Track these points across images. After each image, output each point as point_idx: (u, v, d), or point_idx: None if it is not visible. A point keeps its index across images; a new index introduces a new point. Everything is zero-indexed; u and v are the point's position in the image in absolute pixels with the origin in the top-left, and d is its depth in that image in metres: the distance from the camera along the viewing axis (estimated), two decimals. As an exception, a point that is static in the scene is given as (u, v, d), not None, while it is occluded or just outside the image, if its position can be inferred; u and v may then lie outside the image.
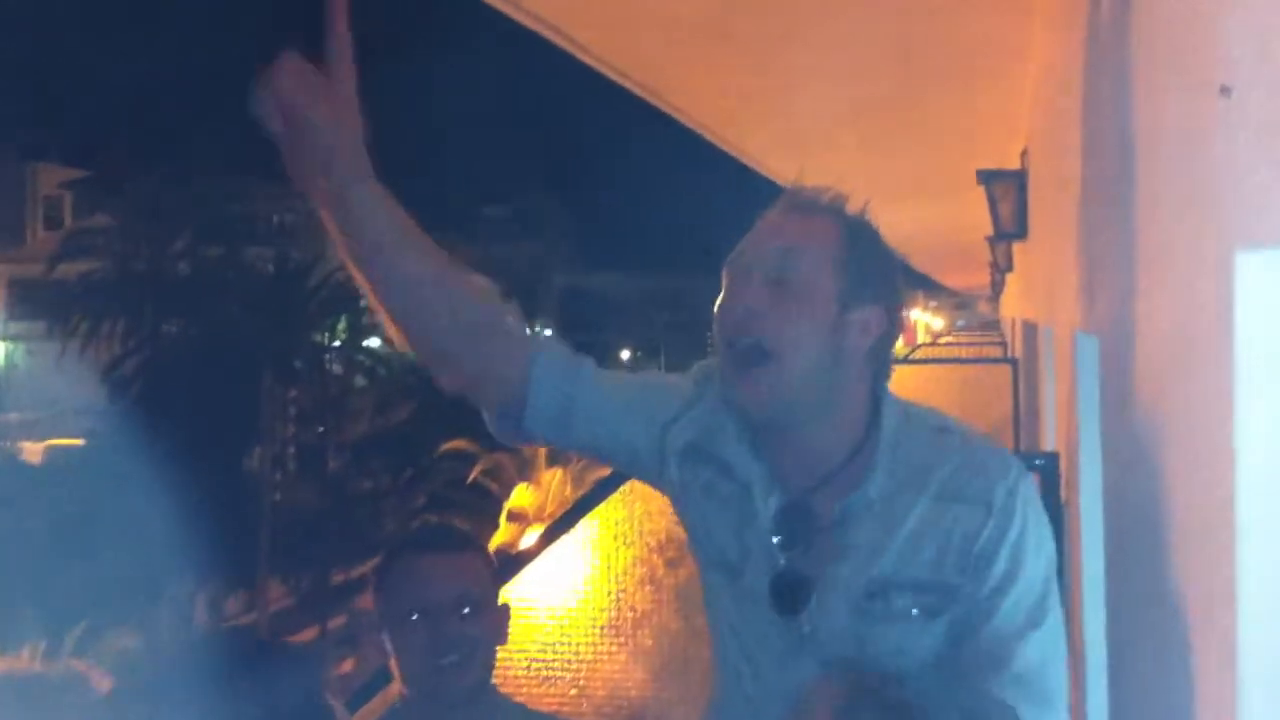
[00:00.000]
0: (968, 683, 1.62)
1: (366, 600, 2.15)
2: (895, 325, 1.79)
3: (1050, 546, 1.70)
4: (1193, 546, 1.04)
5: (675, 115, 7.56)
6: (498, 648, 2.12)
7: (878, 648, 1.65)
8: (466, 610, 2.05)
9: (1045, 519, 1.70)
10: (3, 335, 41.97)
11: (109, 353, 27.94)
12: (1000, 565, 1.65)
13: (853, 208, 1.80)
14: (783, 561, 1.73)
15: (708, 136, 8.38)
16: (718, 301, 1.76)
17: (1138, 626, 1.59)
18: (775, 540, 1.75)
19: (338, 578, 23.90)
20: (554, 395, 1.84)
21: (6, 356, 41.59)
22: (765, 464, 1.78)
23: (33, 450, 29.35)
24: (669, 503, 1.97)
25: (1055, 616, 1.67)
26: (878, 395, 1.78)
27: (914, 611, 1.67)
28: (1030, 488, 1.72)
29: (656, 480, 1.94)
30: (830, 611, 1.70)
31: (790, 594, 1.72)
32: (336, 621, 22.61)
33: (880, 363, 1.78)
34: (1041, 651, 1.63)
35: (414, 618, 2.03)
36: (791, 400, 1.70)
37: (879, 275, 1.77)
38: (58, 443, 29.08)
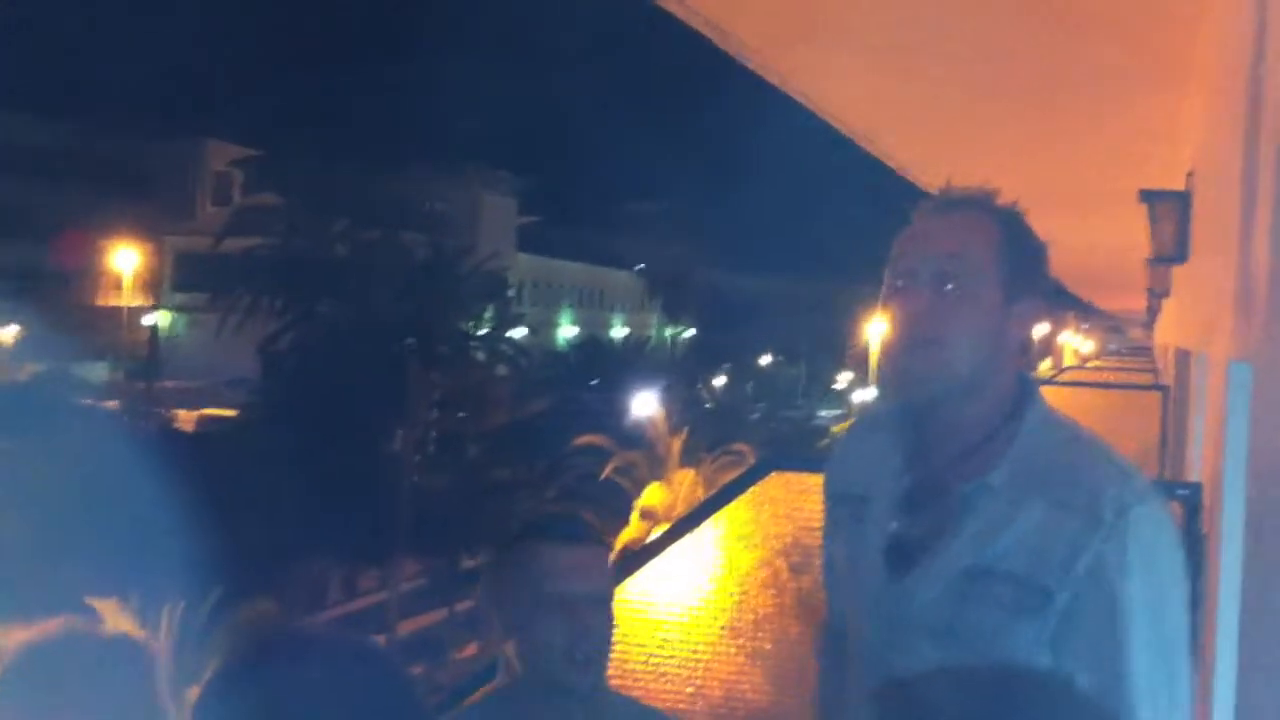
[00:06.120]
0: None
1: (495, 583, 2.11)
2: (1046, 312, 1.89)
3: (1181, 588, 1.67)
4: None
5: (829, 121, 7.52)
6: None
7: (969, 630, 1.70)
8: (604, 605, 2.05)
9: (1173, 554, 1.69)
10: (168, 305, 43.70)
11: (265, 328, 28.82)
12: (1120, 590, 1.66)
13: (1002, 203, 1.87)
14: (895, 525, 1.83)
15: (860, 144, 8.32)
16: (885, 299, 1.85)
17: (1273, 665, 1.54)
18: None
19: (468, 563, 24.27)
20: None
21: (170, 326, 43.29)
22: (910, 439, 1.87)
23: (186, 418, 30.50)
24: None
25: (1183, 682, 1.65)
26: (1025, 382, 1.85)
27: (1007, 601, 1.71)
28: (1157, 511, 1.70)
29: None
30: (933, 580, 1.76)
31: (901, 556, 1.81)
32: (464, 605, 22.98)
33: (1029, 348, 1.89)
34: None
35: (554, 608, 2.00)
36: (952, 383, 1.80)
37: (1034, 265, 1.86)
38: (211, 412, 30.15)
